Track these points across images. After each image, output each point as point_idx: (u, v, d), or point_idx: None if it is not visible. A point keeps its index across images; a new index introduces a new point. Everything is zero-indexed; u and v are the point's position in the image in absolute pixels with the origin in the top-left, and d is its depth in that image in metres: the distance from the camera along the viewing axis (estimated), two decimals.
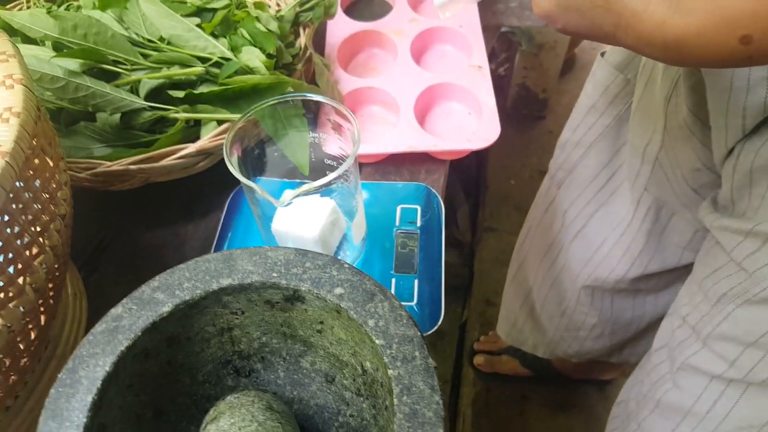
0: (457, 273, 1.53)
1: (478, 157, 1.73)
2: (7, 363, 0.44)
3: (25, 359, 0.47)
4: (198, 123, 0.64)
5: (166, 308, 0.39)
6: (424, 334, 0.44)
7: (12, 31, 0.65)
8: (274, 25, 0.65)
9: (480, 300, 1.50)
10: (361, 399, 0.43)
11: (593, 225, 0.84)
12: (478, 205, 1.69)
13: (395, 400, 0.35)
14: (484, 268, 1.56)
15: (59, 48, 0.64)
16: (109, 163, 0.60)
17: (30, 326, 0.45)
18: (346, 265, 0.41)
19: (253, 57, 0.62)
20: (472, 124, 0.73)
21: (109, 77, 0.64)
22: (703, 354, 0.61)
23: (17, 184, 0.40)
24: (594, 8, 0.40)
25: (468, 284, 1.52)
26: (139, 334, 0.39)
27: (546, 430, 1.31)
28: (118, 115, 0.63)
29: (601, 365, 1.24)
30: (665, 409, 0.67)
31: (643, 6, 0.36)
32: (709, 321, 0.60)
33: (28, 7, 0.74)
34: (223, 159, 0.65)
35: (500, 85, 1.74)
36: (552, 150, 0.91)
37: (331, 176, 0.47)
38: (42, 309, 0.46)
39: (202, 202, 0.69)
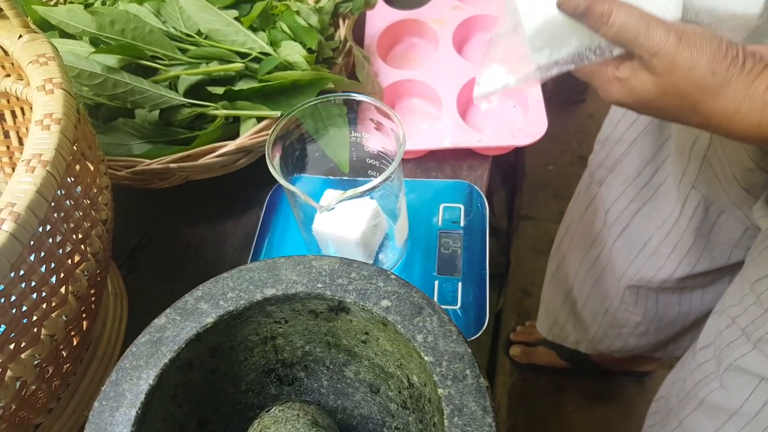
0: (494, 261, 1.51)
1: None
2: (50, 371, 0.44)
3: (68, 365, 0.47)
4: (237, 120, 0.63)
5: (210, 319, 0.39)
6: (468, 340, 0.43)
7: (49, 27, 0.65)
8: (314, 19, 0.63)
9: (517, 290, 1.48)
10: (407, 412, 0.42)
11: (637, 224, 0.81)
12: (515, 191, 1.66)
13: (446, 422, 0.34)
14: (522, 256, 1.54)
15: (97, 43, 0.64)
16: (148, 162, 0.60)
17: (72, 333, 0.45)
18: (393, 276, 0.40)
19: (293, 52, 0.60)
20: (518, 117, 0.71)
21: (148, 73, 0.63)
22: (753, 356, 0.60)
23: (59, 192, 0.39)
24: (679, 110, 0.39)
25: (504, 272, 1.50)
26: (183, 345, 0.38)
27: (583, 422, 1.29)
28: (156, 112, 0.62)
29: (639, 358, 1.22)
30: (710, 408, 0.66)
31: (734, 108, 0.36)
32: (762, 325, 0.58)
33: (65, 2, 0.73)
34: (262, 156, 0.64)
35: None
36: (593, 134, 0.88)
37: (375, 181, 0.45)
38: (84, 315, 0.46)
39: (241, 199, 0.68)
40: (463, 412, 0.34)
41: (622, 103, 0.41)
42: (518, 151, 1.73)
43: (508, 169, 1.67)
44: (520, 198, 1.64)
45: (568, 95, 1.78)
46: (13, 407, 0.41)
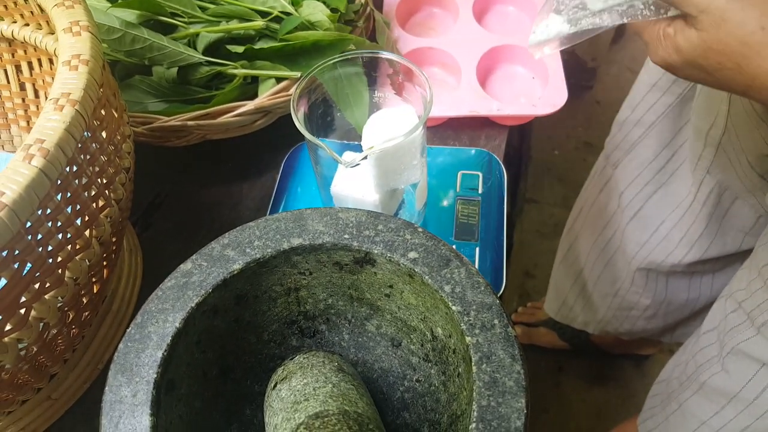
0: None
1: (522, 126, 1.70)
2: (71, 316, 0.43)
3: (87, 313, 0.47)
4: (255, 80, 0.62)
5: (237, 266, 0.38)
6: None
7: None
8: None
9: (519, 272, 1.48)
10: (429, 365, 0.42)
11: (651, 207, 0.81)
12: (520, 175, 1.66)
13: (474, 368, 0.34)
14: (525, 239, 1.54)
15: None
16: (166, 119, 0.59)
17: (94, 279, 0.45)
18: (420, 230, 0.40)
19: (315, 11, 0.60)
20: (536, 89, 0.70)
21: (167, 30, 0.63)
22: (756, 340, 0.60)
23: (86, 134, 0.39)
24: (723, 70, 0.38)
25: (507, 254, 1.50)
26: (210, 290, 0.38)
27: (582, 403, 1.30)
28: (174, 69, 0.62)
29: (640, 341, 1.22)
30: (710, 391, 0.66)
31: None
32: (767, 309, 0.58)
33: None
34: (280, 118, 0.63)
35: None
36: (599, 121, 0.88)
37: (399, 138, 0.45)
38: (105, 263, 0.46)
39: (257, 161, 0.68)
40: (492, 359, 0.34)
41: (667, 62, 0.40)
42: (524, 135, 1.72)
43: (514, 153, 1.67)
44: (525, 181, 1.64)
45: (575, 81, 1.77)
46: (35, 350, 0.41)
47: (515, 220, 1.58)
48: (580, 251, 0.96)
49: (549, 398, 1.31)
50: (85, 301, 0.45)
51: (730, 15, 0.35)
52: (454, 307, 0.36)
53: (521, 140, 1.71)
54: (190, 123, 0.59)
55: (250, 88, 0.63)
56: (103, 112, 0.43)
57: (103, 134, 0.43)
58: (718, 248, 0.79)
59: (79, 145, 0.38)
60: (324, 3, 0.62)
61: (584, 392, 1.31)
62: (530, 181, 1.65)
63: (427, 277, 0.38)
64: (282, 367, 0.40)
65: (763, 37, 0.35)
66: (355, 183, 0.54)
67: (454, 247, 0.56)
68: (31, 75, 0.60)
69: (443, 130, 0.68)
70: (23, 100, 0.61)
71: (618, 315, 0.95)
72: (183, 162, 0.68)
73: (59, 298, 0.40)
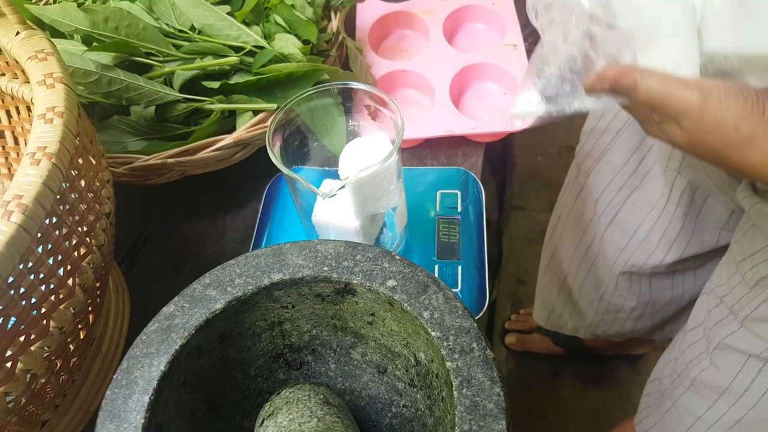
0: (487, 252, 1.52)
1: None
2: (59, 364, 0.44)
3: (75, 359, 0.47)
4: (233, 114, 0.63)
5: (219, 305, 0.39)
6: None
7: (41, 26, 0.65)
8: (309, 12, 0.64)
9: (510, 279, 1.49)
10: (415, 390, 0.42)
11: (627, 211, 0.82)
12: (506, 183, 1.67)
13: (455, 393, 0.35)
14: (514, 246, 1.55)
15: (90, 42, 0.64)
16: (146, 157, 0.60)
17: (80, 326, 0.45)
18: (398, 257, 0.41)
19: (288, 44, 0.61)
20: (509, 104, 0.72)
21: (142, 69, 0.64)
22: (740, 334, 0.61)
23: (63, 185, 0.40)
24: (709, 160, 0.41)
25: (497, 263, 1.51)
26: (193, 331, 0.38)
27: (579, 406, 1.31)
28: (152, 108, 0.62)
29: (632, 341, 1.23)
30: (701, 387, 0.67)
31: (761, 161, 0.37)
32: (747, 303, 0.60)
33: (56, 1, 0.73)
34: (259, 149, 0.64)
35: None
36: (580, 125, 0.88)
37: (375, 166, 0.46)
38: (90, 308, 0.46)
39: (239, 193, 0.68)
40: (472, 383, 0.35)
41: (675, 145, 0.42)
42: (507, 143, 1.74)
43: (498, 161, 1.68)
44: (510, 189, 1.66)
45: None
46: (23, 401, 0.41)
47: (503, 227, 1.59)
48: (562, 259, 0.97)
49: (546, 403, 1.31)
50: (72, 348, 0.45)
51: (706, 118, 0.38)
52: (433, 333, 0.37)
53: (504, 148, 1.72)
54: (170, 160, 0.60)
55: (227, 122, 0.63)
56: (80, 161, 0.44)
57: (82, 183, 0.44)
58: (697, 246, 0.80)
59: (58, 197, 0.39)
60: (296, 35, 0.63)
61: (581, 395, 1.32)
62: (516, 188, 1.66)
63: (406, 304, 0.38)
64: (269, 403, 0.40)
65: (739, 137, 0.37)
66: (335, 211, 0.55)
67: (433, 271, 0.57)
68: (10, 123, 0.60)
69: (421, 150, 0.69)
70: (3, 147, 0.62)
71: (606, 318, 0.96)
72: (165, 198, 0.69)
73: (45, 348, 0.40)
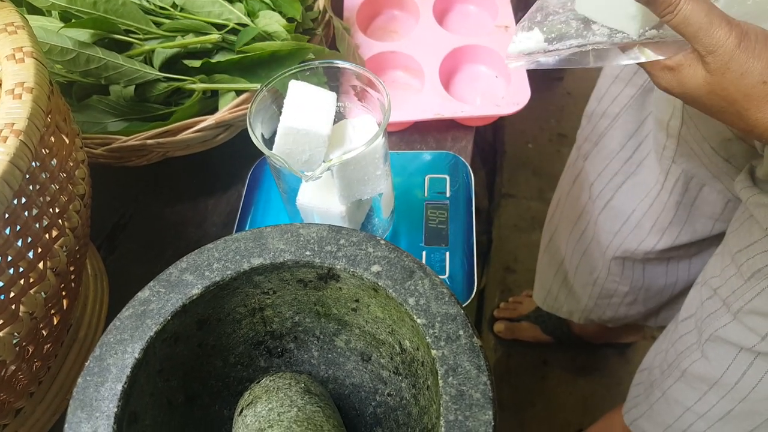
0: (476, 240, 1.51)
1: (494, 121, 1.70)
2: (30, 350, 0.42)
3: (48, 345, 0.45)
4: (215, 93, 0.61)
5: (196, 290, 0.38)
6: None
7: (17, 2, 0.62)
8: None
9: (499, 267, 1.49)
10: (400, 378, 0.41)
11: (621, 197, 0.82)
12: (496, 170, 1.66)
13: (440, 382, 0.33)
14: (503, 234, 1.54)
15: (67, 18, 0.61)
16: (125, 138, 0.58)
17: (52, 311, 0.43)
18: (383, 242, 0.39)
19: (272, 22, 0.59)
20: (500, 87, 0.70)
21: (122, 48, 0.62)
22: (733, 326, 0.60)
23: (33, 164, 0.38)
24: (723, 113, 0.38)
25: (486, 250, 1.50)
26: (169, 317, 0.37)
27: (568, 395, 1.31)
28: (132, 88, 0.60)
29: (621, 329, 1.23)
30: (692, 378, 0.67)
31: None
32: (741, 295, 0.59)
33: None
34: (242, 131, 0.63)
35: None
36: (571, 112, 0.88)
37: (359, 148, 0.44)
38: (64, 293, 0.45)
39: (222, 176, 0.67)
40: (458, 371, 0.34)
41: (669, 92, 0.40)
42: (497, 129, 1.73)
43: (488, 148, 1.67)
44: (500, 176, 1.64)
45: (545, 73, 1.78)
46: None
47: (493, 215, 1.58)
48: (559, 242, 0.97)
49: (535, 392, 1.31)
50: (45, 334, 0.43)
51: (734, 64, 0.35)
52: (418, 320, 0.36)
53: (494, 135, 1.71)
54: (149, 141, 0.58)
55: (210, 102, 0.62)
56: (52, 139, 0.42)
57: (54, 162, 0.42)
58: (689, 234, 0.80)
59: (27, 176, 0.37)
60: (280, 13, 0.61)
61: (570, 384, 1.32)
62: (506, 175, 1.65)
63: (391, 290, 0.37)
64: (248, 392, 0.39)
65: (763, 91, 0.35)
66: (320, 195, 0.53)
67: (420, 257, 0.56)
68: None
69: (409, 134, 0.68)
70: None
71: (600, 303, 0.95)
72: (147, 181, 0.67)
73: (15, 334, 0.39)
